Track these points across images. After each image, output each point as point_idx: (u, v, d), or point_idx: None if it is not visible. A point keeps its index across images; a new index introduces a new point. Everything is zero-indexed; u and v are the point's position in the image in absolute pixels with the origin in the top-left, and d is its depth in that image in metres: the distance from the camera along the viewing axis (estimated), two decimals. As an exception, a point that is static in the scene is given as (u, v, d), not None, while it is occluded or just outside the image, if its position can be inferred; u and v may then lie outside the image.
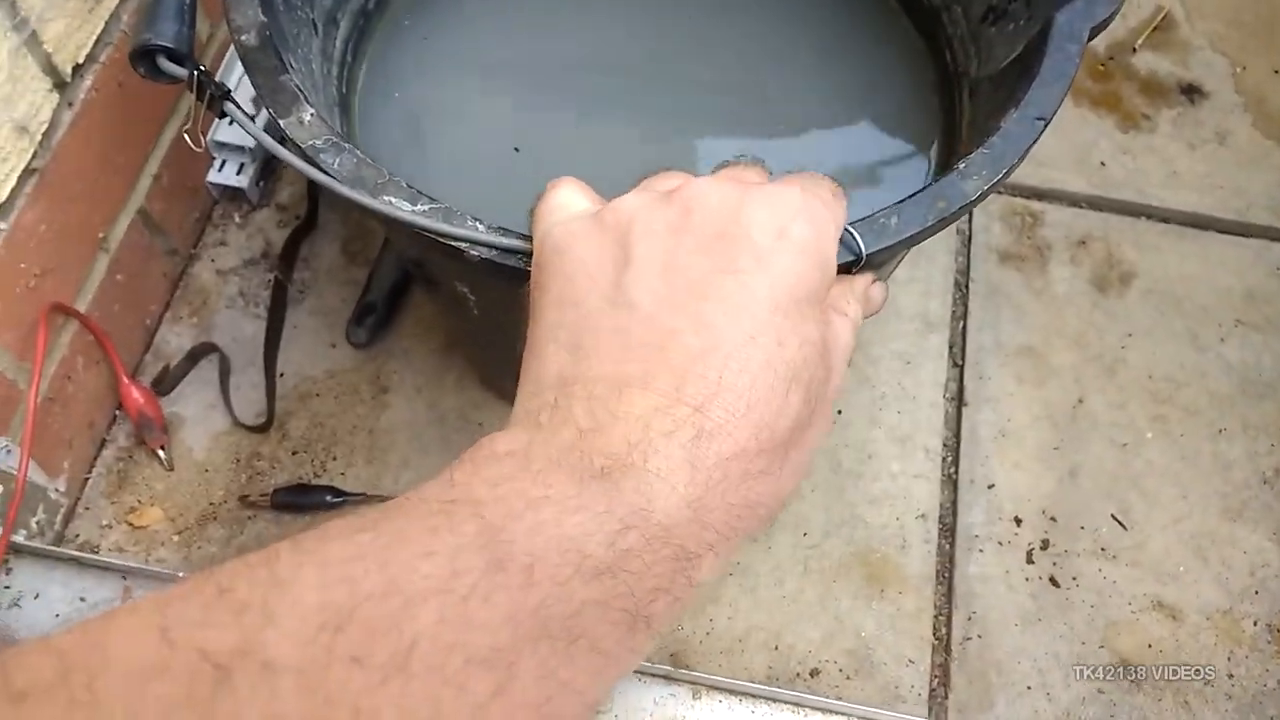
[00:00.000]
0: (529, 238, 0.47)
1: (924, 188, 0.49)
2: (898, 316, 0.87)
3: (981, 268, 0.89)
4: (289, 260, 0.88)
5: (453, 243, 0.47)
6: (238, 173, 0.88)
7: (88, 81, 0.70)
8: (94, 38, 0.70)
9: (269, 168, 0.91)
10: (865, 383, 0.83)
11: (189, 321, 0.86)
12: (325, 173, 0.48)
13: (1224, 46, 1.06)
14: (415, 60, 0.71)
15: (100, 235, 0.76)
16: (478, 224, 0.47)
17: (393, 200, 0.48)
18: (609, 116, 0.71)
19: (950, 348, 0.85)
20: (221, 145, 0.87)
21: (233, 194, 0.91)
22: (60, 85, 0.67)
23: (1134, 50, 1.05)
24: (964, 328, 0.86)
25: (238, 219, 0.91)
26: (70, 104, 0.69)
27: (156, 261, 0.84)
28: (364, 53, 0.71)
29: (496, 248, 0.46)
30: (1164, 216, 0.94)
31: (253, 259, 0.89)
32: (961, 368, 0.84)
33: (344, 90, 0.68)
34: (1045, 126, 0.51)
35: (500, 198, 0.66)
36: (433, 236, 0.47)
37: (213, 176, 0.88)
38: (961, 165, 0.50)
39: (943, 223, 0.49)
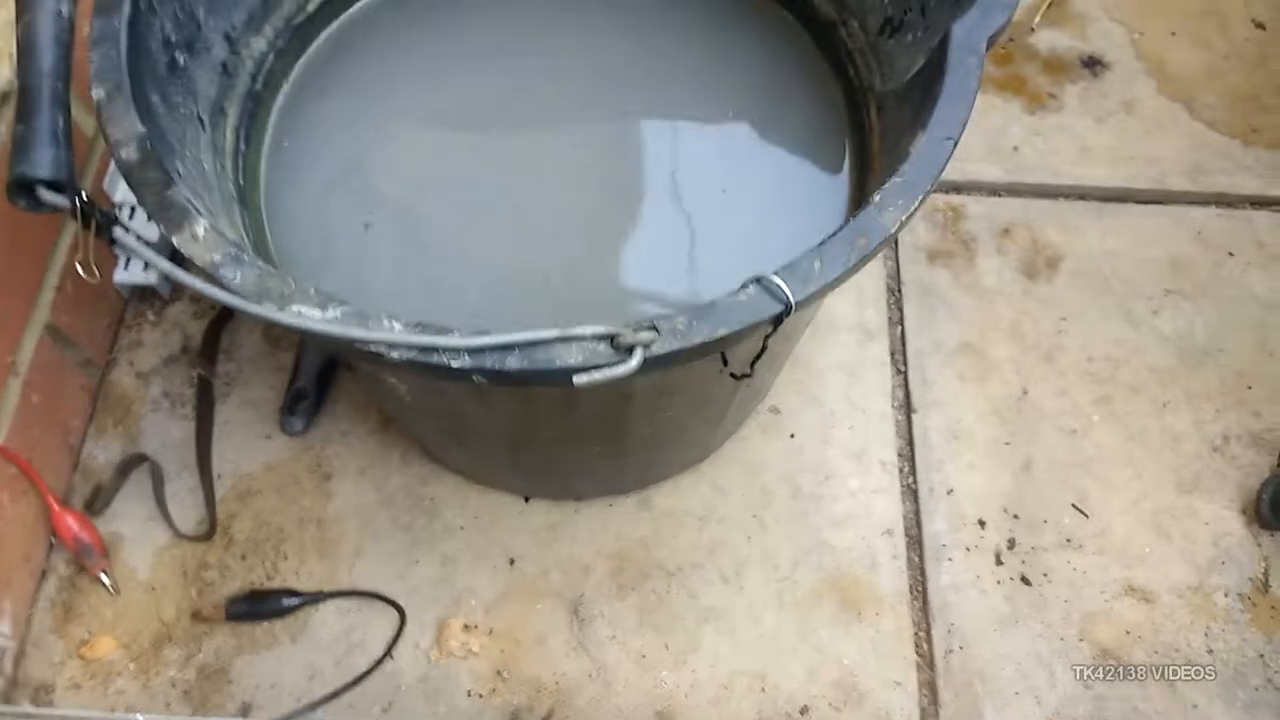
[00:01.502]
0: (450, 330, 0.45)
1: (843, 225, 0.49)
2: (836, 329, 0.86)
3: (911, 269, 0.89)
4: (210, 354, 0.85)
5: (370, 347, 0.45)
6: (145, 269, 0.85)
7: (-29, 206, 0.67)
8: (-28, 159, 0.67)
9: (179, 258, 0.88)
10: (813, 401, 0.83)
11: (115, 432, 0.82)
12: (228, 289, 0.46)
13: (1120, 14, 1.07)
14: (317, 134, 0.69)
15: (8, 360, 0.73)
16: (394, 323, 0.45)
17: (301, 310, 0.46)
18: (536, 148, 0.69)
19: (892, 355, 0.85)
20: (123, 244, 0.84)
21: (143, 291, 0.88)
22: (-58, 215, 0.64)
23: (1032, 30, 1.06)
24: (902, 332, 0.86)
25: (151, 316, 0.88)
26: (-45, 232, 0.66)
27: (71, 375, 0.81)
28: (259, 138, 0.69)
29: (416, 347, 0.45)
30: (1081, 194, 0.94)
31: (172, 356, 0.86)
32: (905, 373, 0.84)
33: (241, 182, 0.65)
34: (954, 146, 0.51)
35: (417, 251, 0.65)
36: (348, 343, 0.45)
37: (120, 276, 0.84)
38: (877, 197, 0.49)
39: (865, 259, 0.48)
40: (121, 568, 0.77)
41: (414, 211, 0.66)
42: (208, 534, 0.78)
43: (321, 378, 0.83)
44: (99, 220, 0.48)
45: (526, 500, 0.79)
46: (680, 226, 0.66)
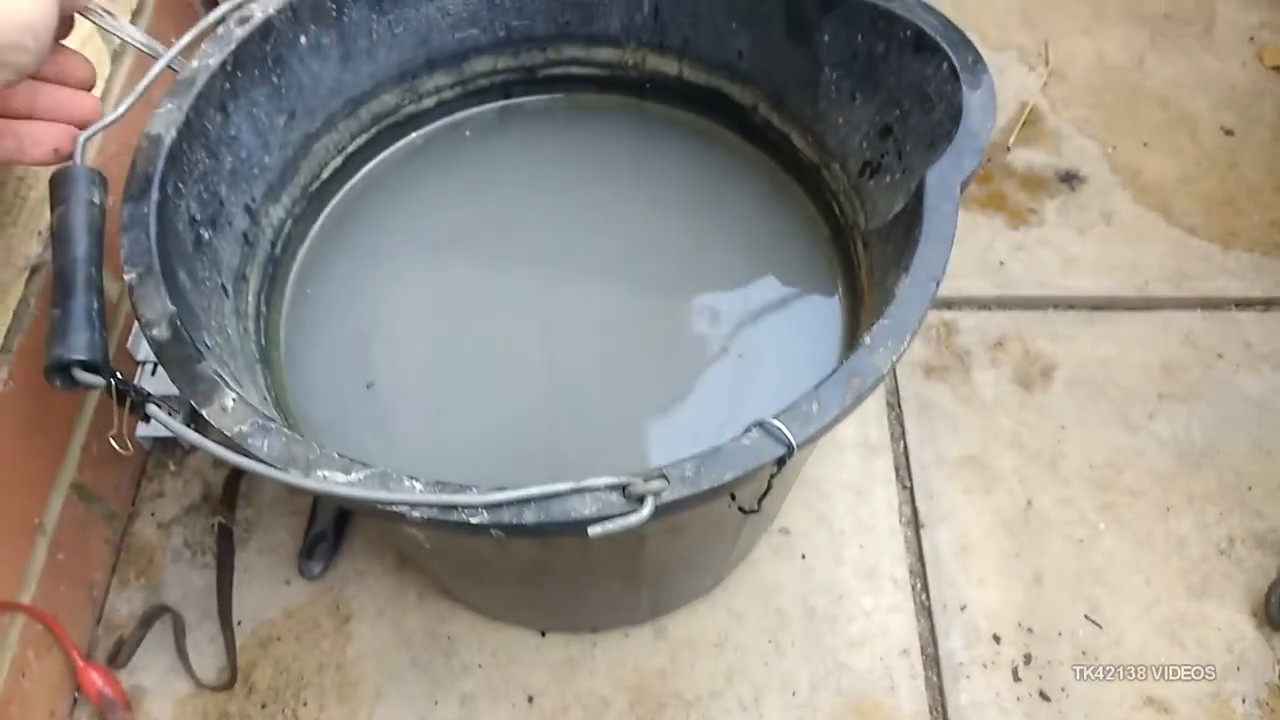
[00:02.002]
0: (468, 488, 0.47)
1: (837, 367, 0.51)
2: (840, 447, 0.88)
3: (910, 385, 0.92)
4: (230, 501, 0.87)
5: (392, 508, 0.47)
6: (166, 422, 0.87)
7: (3, 374, 0.70)
8: (4, 330, 0.70)
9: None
10: (822, 521, 0.84)
11: (137, 584, 0.84)
12: (255, 458, 0.48)
13: (1092, 129, 1.12)
14: (328, 294, 0.73)
15: (36, 521, 0.74)
16: (415, 484, 0.48)
17: (326, 475, 0.48)
18: (533, 309, 0.73)
19: (896, 470, 0.87)
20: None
21: (164, 443, 0.90)
22: (-24, 385, 0.67)
23: (1008, 149, 1.11)
24: (905, 448, 0.88)
25: (172, 466, 0.90)
26: (-12, 400, 0.68)
27: (96, 530, 0.83)
28: (278, 300, 0.72)
29: (436, 505, 0.47)
30: (1069, 304, 0.97)
31: (193, 505, 0.88)
32: (911, 489, 0.86)
33: (263, 343, 0.69)
34: (937, 286, 0.54)
35: (429, 398, 0.68)
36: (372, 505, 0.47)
37: (143, 430, 0.87)
38: (867, 339, 0.52)
39: (859, 399, 0.51)
40: (144, 721, 0.77)
41: (414, 372, 0.69)
42: (229, 683, 0.78)
43: (339, 520, 0.85)
44: (133, 399, 0.50)
45: (543, 634, 0.80)
46: (680, 371, 0.68)
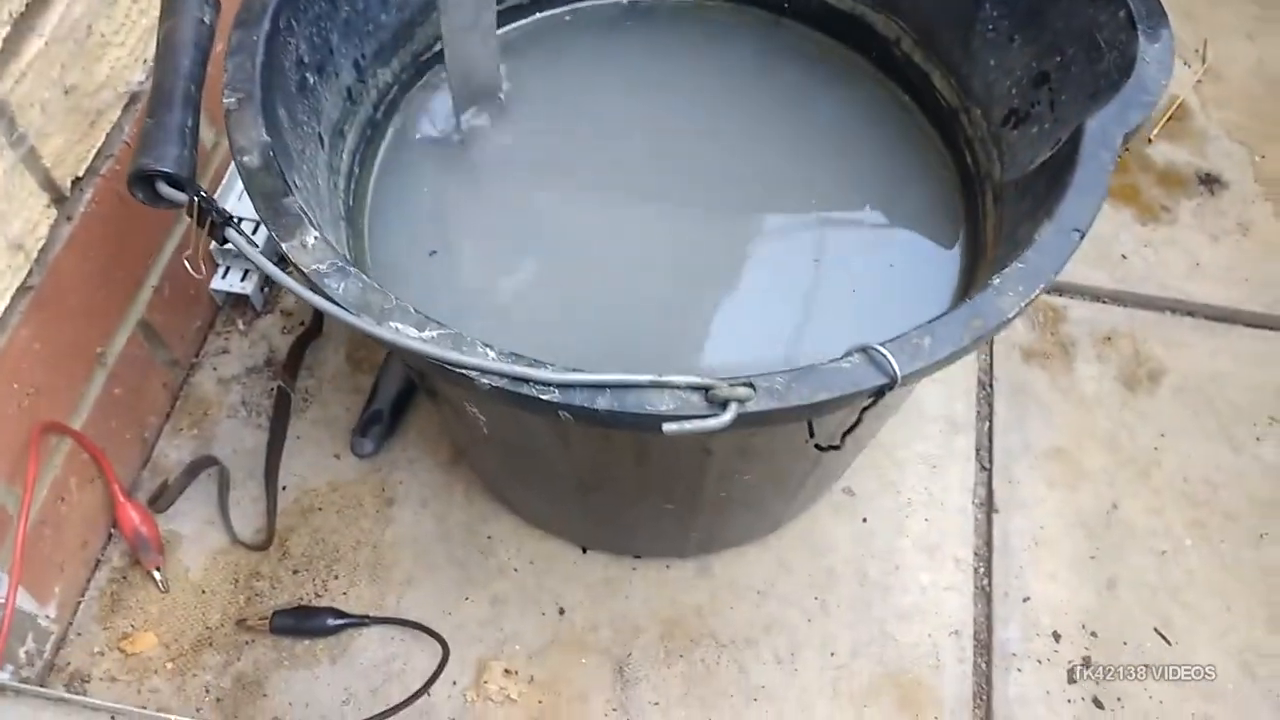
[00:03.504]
0: (543, 364, 0.44)
1: (956, 305, 0.47)
2: (921, 417, 0.84)
3: (1005, 366, 0.87)
4: (293, 368, 0.85)
5: (462, 371, 0.44)
6: (242, 279, 0.86)
7: (87, 195, 0.69)
8: (95, 150, 0.68)
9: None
10: (890, 488, 0.80)
11: (189, 433, 0.83)
12: (329, 299, 0.46)
13: (1242, 135, 1.04)
14: (426, 166, 0.70)
15: (98, 350, 0.74)
16: (488, 350, 0.45)
17: (399, 326, 0.46)
18: (631, 209, 0.70)
19: (978, 450, 0.82)
20: (226, 252, 0.86)
21: (236, 300, 0.89)
22: (59, 200, 0.66)
23: (1149, 141, 1.04)
24: (990, 429, 0.83)
25: (241, 325, 0.89)
26: (69, 218, 0.67)
27: (156, 373, 0.82)
28: (372, 163, 0.70)
29: (508, 376, 0.44)
30: (1189, 310, 0.91)
31: (255, 367, 0.87)
32: (990, 471, 0.81)
33: (350, 203, 0.66)
34: (1082, 239, 0.49)
35: (513, 293, 0.65)
36: (441, 365, 0.45)
37: (216, 284, 0.86)
38: (996, 280, 0.47)
39: (978, 341, 0.47)
40: (175, 566, 0.77)
41: (483, 246, 0.67)
42: (264, 544, 0.77)
43: (397, 404, 0.83)
44: (215, 219, 0.48)
45: (584, 550, 0.77)
46: (777, 294, 0.65)
